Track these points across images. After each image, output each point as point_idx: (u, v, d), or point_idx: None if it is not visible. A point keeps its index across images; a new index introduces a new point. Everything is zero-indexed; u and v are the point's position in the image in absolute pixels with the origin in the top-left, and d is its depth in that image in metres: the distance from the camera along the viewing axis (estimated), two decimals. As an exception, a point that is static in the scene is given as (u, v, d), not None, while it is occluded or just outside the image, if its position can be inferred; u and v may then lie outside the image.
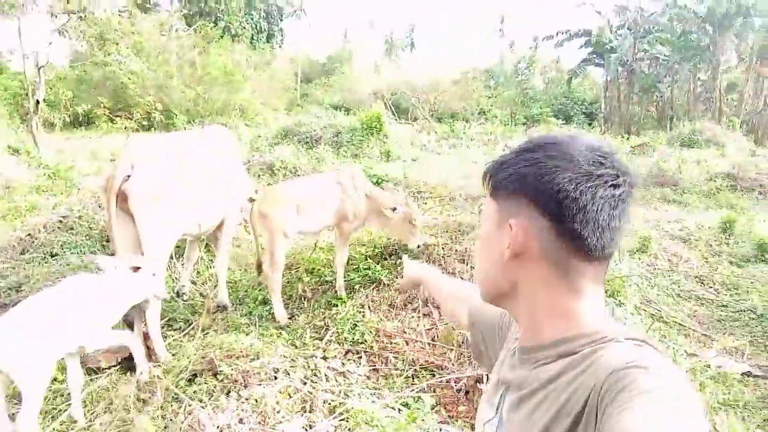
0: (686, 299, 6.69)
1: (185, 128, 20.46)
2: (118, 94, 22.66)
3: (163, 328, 4.72)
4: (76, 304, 3.42)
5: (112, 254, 4.33)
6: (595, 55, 31.54)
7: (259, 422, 3.35)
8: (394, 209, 5.28)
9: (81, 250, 6.41)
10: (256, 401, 3.49)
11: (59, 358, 3.35)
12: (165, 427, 3.30)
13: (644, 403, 0.77)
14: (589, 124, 32.34)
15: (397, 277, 5.30)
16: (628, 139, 22.79)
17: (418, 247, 5.39)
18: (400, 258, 5.47)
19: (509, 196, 1.06)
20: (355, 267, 5.70)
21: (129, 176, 4.18)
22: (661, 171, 13.48)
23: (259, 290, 5.65)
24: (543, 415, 0.94)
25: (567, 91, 36.80)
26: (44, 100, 17.23)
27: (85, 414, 3.62)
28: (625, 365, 0.85)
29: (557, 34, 32.19)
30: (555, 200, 0.97)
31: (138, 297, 3.88)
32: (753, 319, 6.12)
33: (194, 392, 3.70)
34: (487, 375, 3.95)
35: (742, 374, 4.83)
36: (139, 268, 3.80)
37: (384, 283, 5.34)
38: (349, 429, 3.35)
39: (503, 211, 1.07)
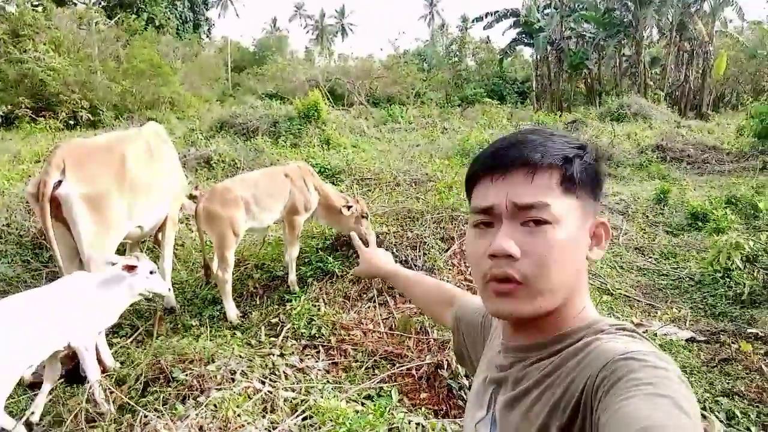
0: (629, 270, 6.91)
1: (114, 124, 19.74)
2: (37, 93, 21.54)
3: (108, 335, 4.52)
4: (71, 301, 3.55)
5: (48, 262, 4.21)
6: (524, 35, 32.18)
7: (220, 428, 3.23)
8: (349, 207, 5.23)
9: (11, 260, 6.05)
10: (215, 406, 3.36)
11: (45, 355, 3.44)
12: (121, 442, 3.15)
13: (643, 393, 0.76)
14: (522, 103, 33.09)
15: (350, 267, 5.26)
16: (560, 116, 23.38)
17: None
18: (353, 249, 5.46)
19: (587, 191, 1.00)
20: (306, 260, 5.59)
21: (60, 181, 3.97)
22: (595, 146, 13.88)
23: (208, 290, 5.48)
24: (540, 411, 0.92)
25: (499, 71, 37.45)
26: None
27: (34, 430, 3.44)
28: (620, 356, 0.84)
29: (486, 15, 32.65)
30: (602, 190, 1.03)
31: (133, 295, 3.96)
32: (692, 286, 6.37)
33: (148, 402, 3.54)
34: (447, 360, 3.96)
35: (687, 341, 5.01)
36: (134, 267, 3.84)
37: (337, 275, 5.26)
38: (314, 427, 3.28)
39: (585, 207, 1.00)
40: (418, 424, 3.03)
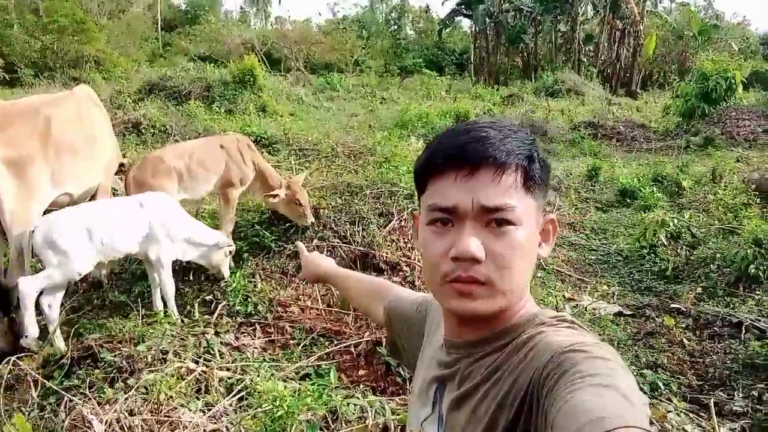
0: (560, 246, 7.09)
1: (33, 83, 18.57)
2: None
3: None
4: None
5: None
6: (463, 6, 32.17)
7: (152, 411, 3.11)
8: (275, 196, 5.11)
9: None
10: (146, 388, 3.24)
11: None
12: (43, 427, 2.99)
13: (589, 384, 0.76)
14: (460, 75, 33.25)
15: (287, 242, 5.16)
16: (498, 89, 23.66)
17: (312, 223, 5.28)
18: (290, 222, 5.35)
19: (542, 190, 0.99)
20: (242, 235, 5.44)
21: None
22: (530, 121, 14.13)
23: (138, 264, 5.25)
24: (488, 408, 0.91)
25: (438, 41, 37.42)
26: None
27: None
28: (564, 349, 0.84)
29: (426, -17, 32.42)
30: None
31: (203, 258, 4.66)
32: (620, 261, 6.62)
33: (73, 385, 3.37)
34: (385, 337, 3.96)
35: (615, 315, 5.21)
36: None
37: (274, 251, 5.15)
38: (251, 408, 3.21)
39: (539, 207, 0.99)
40: (356, 405, 3.00)
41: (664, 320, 4.98)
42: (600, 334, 4.76)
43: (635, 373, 4.14)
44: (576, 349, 0.84)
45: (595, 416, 0.70)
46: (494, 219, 0.93)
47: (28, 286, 3.88)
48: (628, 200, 8.58)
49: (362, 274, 1.79)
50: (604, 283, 5.97)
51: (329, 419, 3.08)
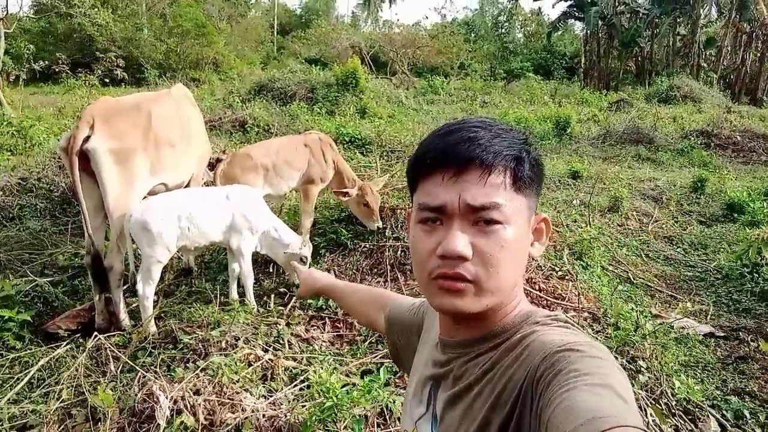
0: (654, 259, 6.74)
1: (157, 83, 19.96)
2: (85, 48, 21.94)
3: (125, 294, 4.64)
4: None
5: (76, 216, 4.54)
6: (575, 8, 31.11)
7: (216, 392, 3.29)
8: (345, 194, 5.22)
9: (41, 214, 6.24)
10: (213, 371, 3.43)
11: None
12: (119, 399, 3.24)
13: (584, 384, 0.76)
14: (569, 79, 32.21)
15: (364, 241, 5.27)
16: (606, 94, 22.73)
17: (378, 228, 5.34)
18: (370, 238, 5.44)
19: (534, 189, 1.01)
20: (321, 231, 5.61)
21: (89, 136, 4.10)
22: (637, 128, 13.47)
23: (224, 255, 5.56)
24: (482, 407, 0.92)
25: (547, 45, 36.46)
26: (7, 53, 16.62)
27: (40, 385, 3.57)
28: (558, 348, 0.85)
29: (537, -14, 31.64)
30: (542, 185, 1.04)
31: (275, 256, 4.89)
32: (718, 279, 6.18)
33: (151, 363, 3.63)
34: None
35: (705, 335, 4.89)
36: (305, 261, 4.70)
37: (350, 248, 5.27)
38: (306, 398, 3.32)
39: (530, 206, 1.00)
40: (402, 403, 3.02)
41: (759, 345, 4.61)
42: (686, 355, 4.50)
43: (719, 399, 3.89)
44: (570, 348, 0.84)
45: (591, 416, 0.70)
46: (481, 218, 0.94)
47: (148, 290, 4.24)
48: (735, 215, 7.98)
49: (360, 285, 1.81)
50: (698, 302, 5.60)
51: (386, 416, 3.14)
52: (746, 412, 3.72)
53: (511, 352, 0.93)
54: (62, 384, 3.39)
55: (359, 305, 1.65)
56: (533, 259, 1.03)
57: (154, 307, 4.41)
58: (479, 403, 0.93)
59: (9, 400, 3.43)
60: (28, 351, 3.96)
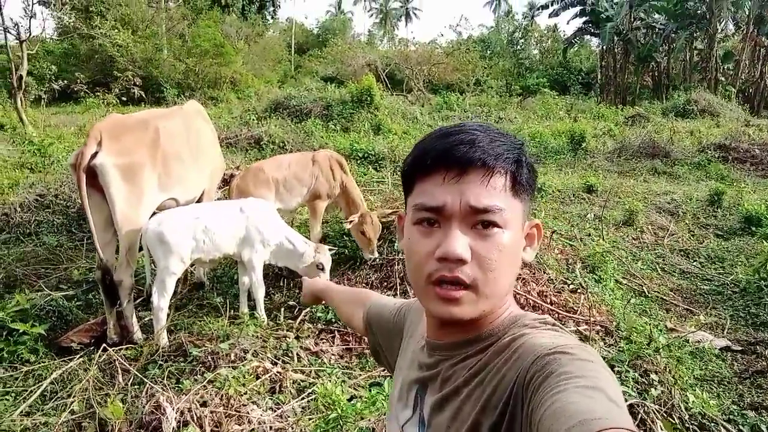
0: (670, 273, 6.66)
1: (176, 101, 20.24)
2: (105, 68, 22.36)
3: (137, 308, 4.69)
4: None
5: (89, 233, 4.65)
6: (590, 24, 31.13)
7: (224, 405, 3.30)
8: (351, 221, 5.24)
9: (58, 230, 6.34)
10: (221, 383, 3.44)
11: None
12: (127, 411, 3.27)
13: (575, 386, 0.76)
14: (585, 94, 32.10)
15: (372, 257, 5.27)
16: (622, 109, 22.62)
17: (371, 259, 5.30)
18: (381, 252, 5.43)
19: (529, 194, 1.00)
20: (330, 244, 5.63)
21: (97, 152, 4.15)
22: (653, 142, 13.37)
23: (236, 269, 5.59)
24: (471, 410, 0.91)
25: (563, 61, 36.43)
26: (30, 74, 16.99)
27: (52, 397, 3.61)
28: (548, 351, 0.84)
29: (552, 2, 31.78)
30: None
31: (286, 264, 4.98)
32: (735, 293, 6.09)
33: (160, 375, 3.66)
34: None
35: (721, 349, 4.81)
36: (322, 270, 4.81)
37: (359, 262, 5.28)
38: (312, 410, 3.32)
39: (525, 211, 0.99)
40: (387, 407, 3.02)
41: (777, 359, 4.53)
42: (701, 369, 4.42)
43: (736, 413, 3.82)
44: (560, 351, 0.84)
45: (583, 417, 0.70)
46: (481, 221, 0.93)
47: (162, 302, 4.28)
48: (753, 228, 7.86)
49: (346, 287, 1.84)
50: (714, 315, 5.52)
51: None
52: (763, 427, 3.67)
53: (500, 355, 0.92)
54: (74, 396, 3.43)
55: (342, 304, 1.65)
56: (525, 264, 1.01)
57: (169, 321, 4.44)
58: (468, 406, 0.92)
59: (22, 412, 3.47)
60: (42, 364, 4.01)
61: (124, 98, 20.22)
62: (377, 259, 5.26)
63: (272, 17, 42.27)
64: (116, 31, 21.28)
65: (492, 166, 0.93)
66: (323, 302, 1.87)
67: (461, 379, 0.97)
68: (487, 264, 0.92)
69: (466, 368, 0.97)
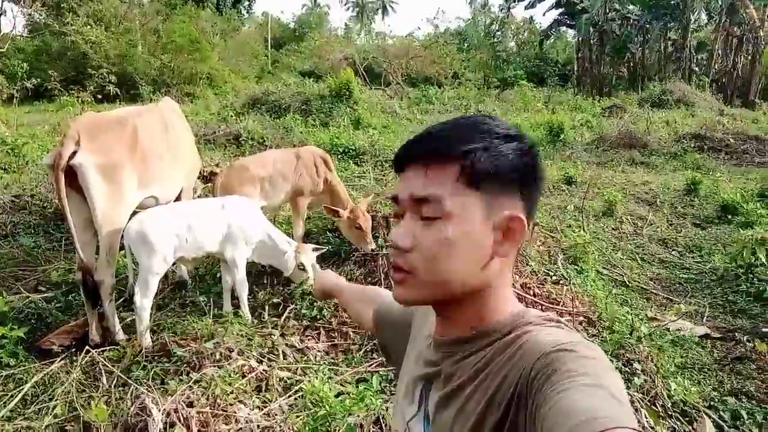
0: (649, 262, 6.75)
1: (152, 98, 19.99)
2: (78, 65, 21.98)
3: (118, 309, 4.63)
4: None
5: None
6: (566, 16, 31.35)
7: (210, 404, 3.28)
8: (336, 212, 5.20)
9: (35, 231, 6.23)
10: (207, 383, 3.42)
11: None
12: (112, 413, 3.23)
13: (579, 384, 0.76)
14: (563, 86, 32.37)
15: (357, 249, 5.26)
16: (599, 100, 22.84)
17: (372, 250, 5.25)
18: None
19: (498, 185, 0.95)
20: (314, 240, 5.61)
21: (75, 152, 4.07)
22: (630, 133, 13.52)
23: (218, 268, 5.55)
24: (475, 407, 0.92)
25: (540, 52, 36.69)
26: (1, 72, 16.64)
27: (34, 401, 3.56)
28: (552, 349, 0.85)
29: (528, -6, 31.92)
30: (536, 187, 1.00)
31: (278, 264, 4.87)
32: (713, 281, 6.19)
33: (145, 376, 3.62)
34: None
35: (700, 337, 4.88)
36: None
37: (343, 257, 5.27)
38: (300, 408, 3.31)
39: (492, 204, 0.95)
40: (393, 404, 3.02)
41: (755, 345, 4.61)
42: (682, 357, 4.49)
43: (716, 400, 3.89)
44: (564, 348, 0.84)
45: (587, 416, 0.70)
46: (422, 211, 0.96)
47: (145, 302, 4.21)
48: (729, 216, 8.00)
49: (357, 285, 1.84)
50: (693, 303, 5.61)
51: (382, 424, 3.12)
52: (743, 413, 3.73)
53: (504, 352, 0.93)
54: (56, 400, 3.38)
55: (352, 302, 1.67)
56: (502, 255, 1.00)
57: (151, 321, 4.39)
58: (473, 402, 0.93)
59: (3, 417, 3.42)
60: (22, 368, 3.93)
61: (99, 96, 19.86)
62: (376, 249, 5.23)
63: (248, 12, 41.93)
64: (89, 27, 20.94)
65: (433, 157, 0.96)
66: (317, 306, 1.89)
67: (465, 375, 0.97)
68: (426, 253, 0.95)
69: (470, 365, 0.98)
